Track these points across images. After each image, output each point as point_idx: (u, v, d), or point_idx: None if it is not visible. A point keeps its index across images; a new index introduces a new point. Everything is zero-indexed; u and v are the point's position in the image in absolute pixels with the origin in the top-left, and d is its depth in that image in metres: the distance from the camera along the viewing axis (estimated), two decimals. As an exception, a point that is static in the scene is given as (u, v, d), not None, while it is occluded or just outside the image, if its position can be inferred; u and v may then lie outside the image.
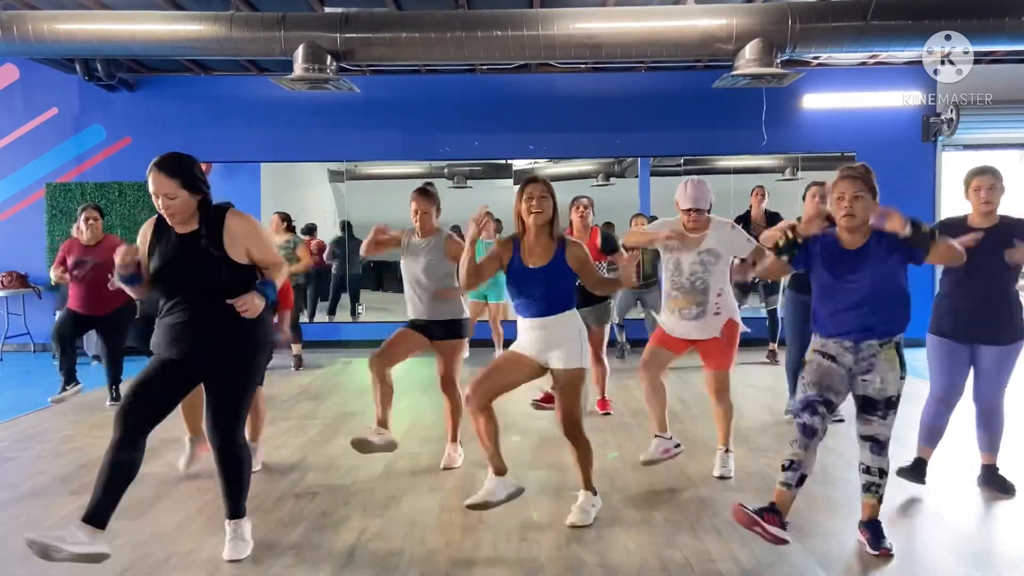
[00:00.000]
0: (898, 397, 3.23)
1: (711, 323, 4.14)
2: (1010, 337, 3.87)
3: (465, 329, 4.51)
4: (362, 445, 4.32)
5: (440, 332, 4.43)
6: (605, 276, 3.70)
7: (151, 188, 3.06)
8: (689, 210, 4.10)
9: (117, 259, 3.09)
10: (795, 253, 3.29)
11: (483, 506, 3.58)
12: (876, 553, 3.22)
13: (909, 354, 3.30)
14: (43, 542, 2.83)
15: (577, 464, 3.67)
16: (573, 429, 3.57)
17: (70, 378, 6.30)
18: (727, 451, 4.35)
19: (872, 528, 3.29)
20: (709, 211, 4.15)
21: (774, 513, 3.13)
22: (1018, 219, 3.88)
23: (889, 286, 3.20)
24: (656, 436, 4.32)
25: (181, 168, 3.07)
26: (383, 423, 4.42)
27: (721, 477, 4.27)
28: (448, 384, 4.50)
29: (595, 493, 3.72)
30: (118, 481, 3.03)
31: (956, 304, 3.89)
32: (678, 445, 4.35)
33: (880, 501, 3.29)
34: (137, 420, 3.05)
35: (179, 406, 4.20)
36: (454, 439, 4.64)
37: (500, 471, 3.61)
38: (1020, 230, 3.80)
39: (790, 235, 3.26)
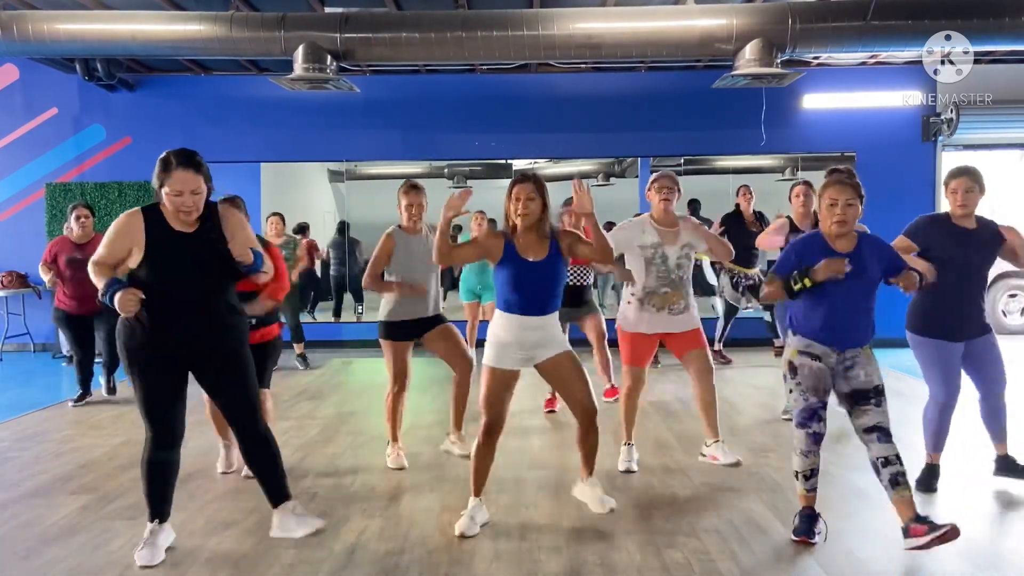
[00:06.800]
0: (883, 387, 3.27)
1: (692, 315, 4.28)
2: (988, 327, 3.98)
3: (445, 317, 4.59)
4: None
5: (428, 324, 4.47)
6: (600, 233, 3.50)
7: (177, 186, 2.94)
8: (660, 182, 4.24)
9: (127, 303, 2.92)
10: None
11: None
12: (945, 531, 3.03)
13: (892, 353, 3.31)
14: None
15: (592, 450, 3.64)
16: (594, 411, 3.56)
17: (87, 387, 6.37)
18: (718, 440, 4.30)
19: (925, 520, 3.11)
20: (678, 195, 4.29)
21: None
22: (991, 223, 3.95)
23: (873, 292, 3.26)
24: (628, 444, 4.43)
25: (202, 163, 3.07)
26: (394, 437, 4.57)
27: (731, 463, 4.20)
28: (461, 354, 4.49)
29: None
30: (162, 480, 3.25)
31: (945, 304, 3.88)
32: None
33: (911, 490, 3.21)
34: (168, 426, 3.20)
35: (210, 417, 4.24)
36: (459, 427, 4.61)
37: (479, 493, 3.59)
38: (996, 234, 3.91)
39: (807, 283, 3.21)
